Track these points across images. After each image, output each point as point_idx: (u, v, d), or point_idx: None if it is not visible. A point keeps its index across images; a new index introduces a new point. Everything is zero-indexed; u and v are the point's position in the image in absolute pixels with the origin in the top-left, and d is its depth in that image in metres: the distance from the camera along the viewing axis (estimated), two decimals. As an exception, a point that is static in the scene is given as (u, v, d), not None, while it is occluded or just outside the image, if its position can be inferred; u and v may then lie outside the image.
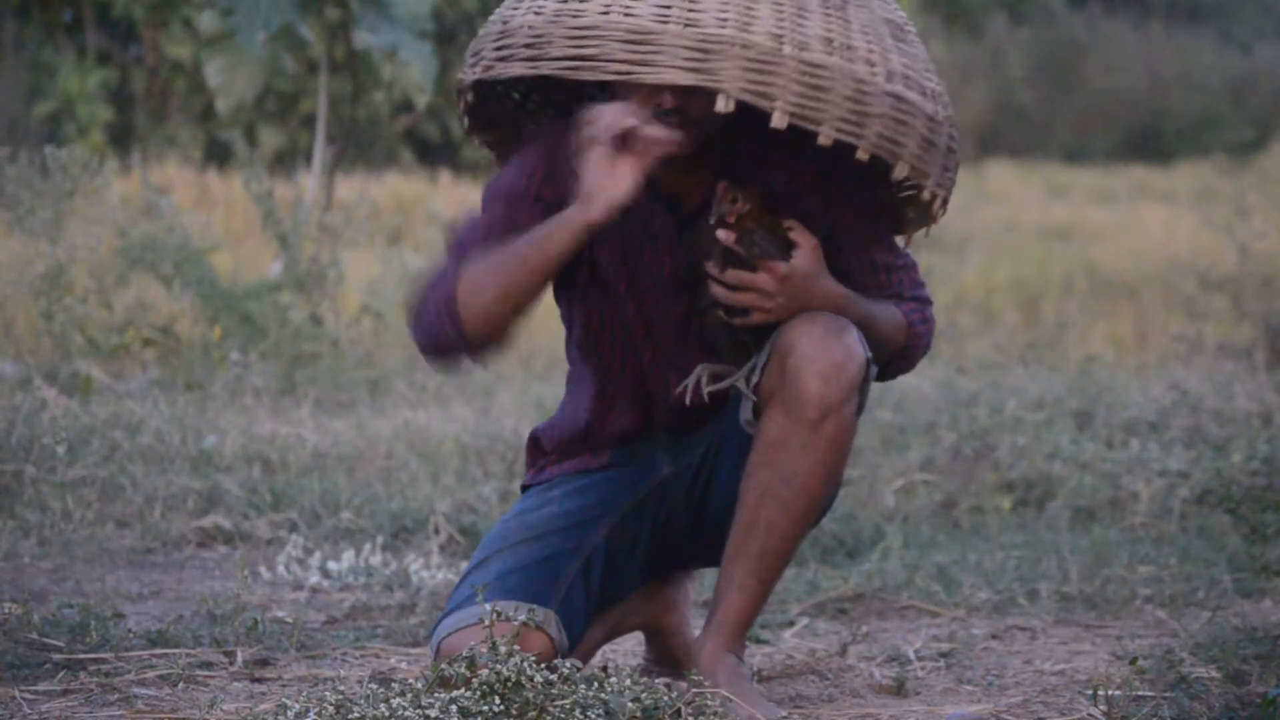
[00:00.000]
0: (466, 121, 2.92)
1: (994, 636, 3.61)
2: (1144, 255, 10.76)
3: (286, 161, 15.76)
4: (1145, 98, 20.64)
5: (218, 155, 16.32)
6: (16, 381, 5.94)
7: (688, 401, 2.85)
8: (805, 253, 2.76)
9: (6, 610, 3.35)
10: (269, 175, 7.30)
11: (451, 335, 2.75)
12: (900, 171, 2.70)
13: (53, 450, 4.77)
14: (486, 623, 2.63)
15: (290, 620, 3.62)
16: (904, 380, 6.21)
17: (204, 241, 7.34)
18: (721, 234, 2.74)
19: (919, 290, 2.93)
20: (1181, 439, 5.31)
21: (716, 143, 2.80)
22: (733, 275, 2.76)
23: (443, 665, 2.60)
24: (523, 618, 2.71)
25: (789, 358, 2.75)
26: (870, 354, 2.78)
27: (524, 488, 3.02)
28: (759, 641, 3.55)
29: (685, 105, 2.68)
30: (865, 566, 4.11)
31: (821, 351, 2.73)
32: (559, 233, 2.72)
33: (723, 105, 2.61)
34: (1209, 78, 21.01)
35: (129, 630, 3.38)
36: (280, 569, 4.21)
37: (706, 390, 2.84)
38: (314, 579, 4.13)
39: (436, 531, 4.57)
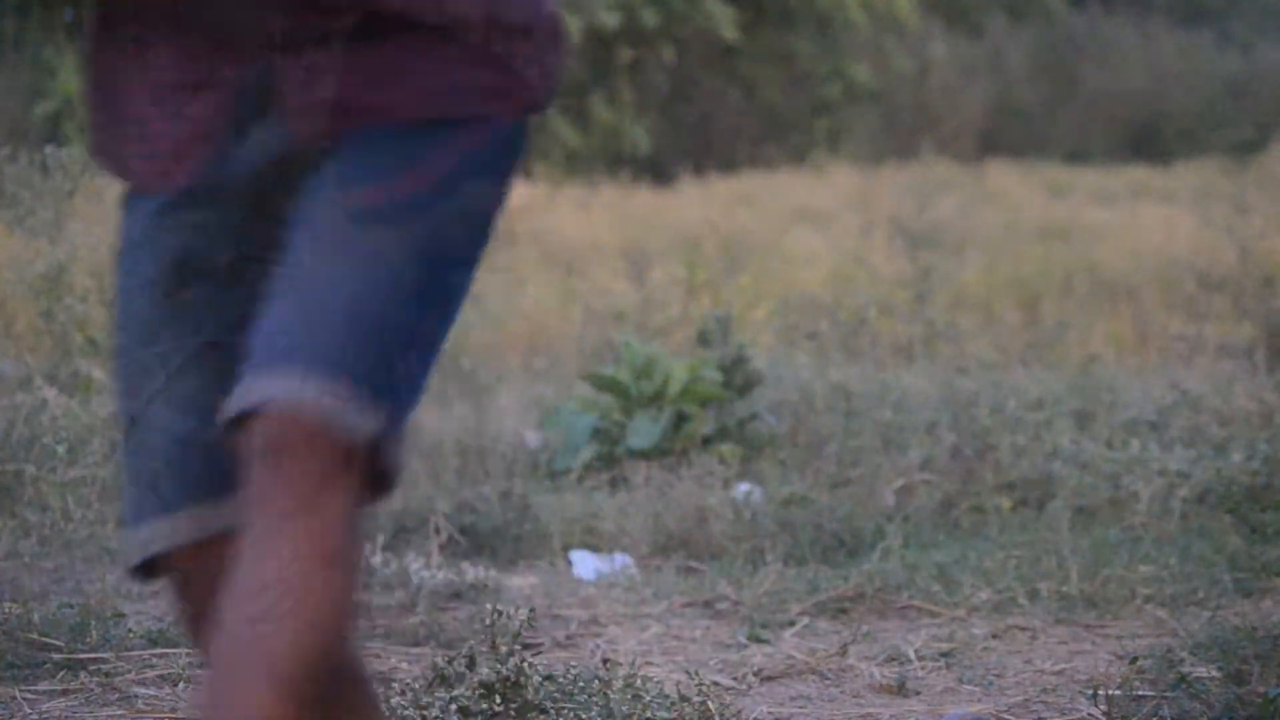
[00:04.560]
0: None
1: (994, 636, 3.60)
2: (1144, 255, 10.73)
3: (286, 161, 15.76)
4: (1145, 98, 20.65)
5: (218, 155, 16.31)
6: (16, 381, 5.93)
7: None
8: None
9: (6, 610, 3.35)
10: (269, 175, 7.28)
11: None
12: None
13: (53, 450, 4.76)
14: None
15: (290, 620, 3.61)
16: (904, 380, 6.20)
17: (204, 241, 7.33)
18: None
19: None
20: (1181, 439, 5.30)
21: None
22: None
23: (442, 664, 2.59)
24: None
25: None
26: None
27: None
28: (759, 641, 3.54)
29: None
30: (865, 566, 4.11)
31: None
32: None
33: None
34: (1209, 78, 21.01)
35: (129, 630, 3.38)
36: (280, 569, 4.20)
37: None
38: (314, 579, 4.12)
39: (437, 531, 4.57)
